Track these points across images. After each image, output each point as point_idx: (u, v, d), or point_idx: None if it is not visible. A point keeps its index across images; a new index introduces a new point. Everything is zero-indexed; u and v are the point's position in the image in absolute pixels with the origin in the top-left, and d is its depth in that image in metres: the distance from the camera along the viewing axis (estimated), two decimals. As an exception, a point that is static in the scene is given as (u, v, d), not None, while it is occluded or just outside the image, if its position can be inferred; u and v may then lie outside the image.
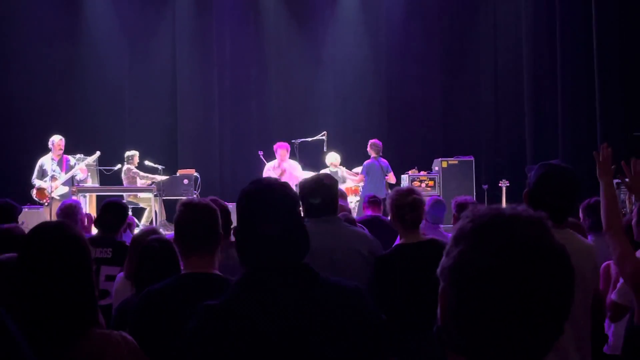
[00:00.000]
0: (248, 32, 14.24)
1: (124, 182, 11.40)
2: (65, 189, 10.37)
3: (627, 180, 3.24)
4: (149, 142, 12.72)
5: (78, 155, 11.02)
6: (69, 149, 10.78)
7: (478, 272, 1.08)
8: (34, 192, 10.42)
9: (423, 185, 11.82)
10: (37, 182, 10.39)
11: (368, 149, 11.15)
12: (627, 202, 9.62)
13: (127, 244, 4.86)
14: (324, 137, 11.27)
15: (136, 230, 6.46)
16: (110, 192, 10.81)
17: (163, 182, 11.02)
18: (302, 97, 14.16)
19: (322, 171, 10.92)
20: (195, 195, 10.77)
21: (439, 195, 10.10)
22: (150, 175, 11.45)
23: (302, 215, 1.94)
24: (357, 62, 14.27)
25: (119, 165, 11.48)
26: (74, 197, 10.13)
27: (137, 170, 11.47)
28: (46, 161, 10.44)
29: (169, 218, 11.33)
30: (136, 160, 11.57)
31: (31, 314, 1.97)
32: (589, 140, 11.41)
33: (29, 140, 12.00)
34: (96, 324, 2.07)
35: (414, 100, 14.08)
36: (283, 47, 14.30)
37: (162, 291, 2.55)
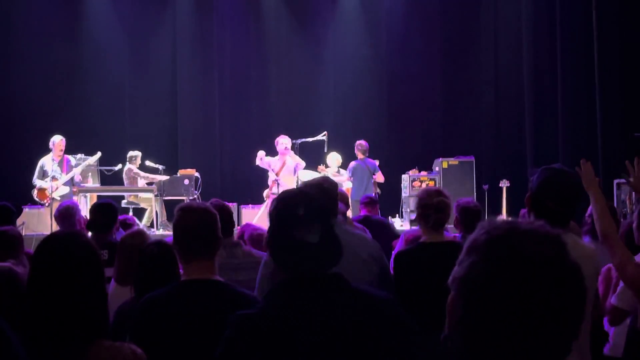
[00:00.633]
0: (248, 32, 14.24)
1: (125, 183, 11.41)
2: (66, 190, 10.38)
3: (630, 179, 3.25)
4: (149, 142, 12.73)
5: (79, 156, 11.02)
6: (70, 149, 10.79)
7: (487, 285, 1.08)
8: (34, 193, 10.43)
9: (423, 185, 11.82)
10: (38, 183, 10.40)
11: (355, 150, 11.20)
12: (627, 202, 9.63)
13: None
14: (324, 138, 11.26)
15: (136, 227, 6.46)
16: (111, 192, 10.81)
17: (164, 182, 11.03)
18: (302, 97, 14.16)
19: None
20: (196, 196, 10.78)
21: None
22: (150, 176, 11.46)
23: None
24: (358, 62, 14.27)
25: (119, 166, 11.49)
26: (74, 198, 10.15)
27: (138, 171, 11.47)
28: (47, 161, 10.45)
29: (169, 218, 11.34)
30: (138, 161, 11.57)
31: (40, 324, 1.97)
32: (589, 141, 11.42)
33: (29, 141, 12.01)
34: (104, 335, 2.06)
35: (415, 100, 14.07)
36: (283, 47, 14.30)
37: (162, 298, 2.54)
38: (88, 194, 10.64)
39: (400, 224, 11.40)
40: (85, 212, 8.80)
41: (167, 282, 2.86)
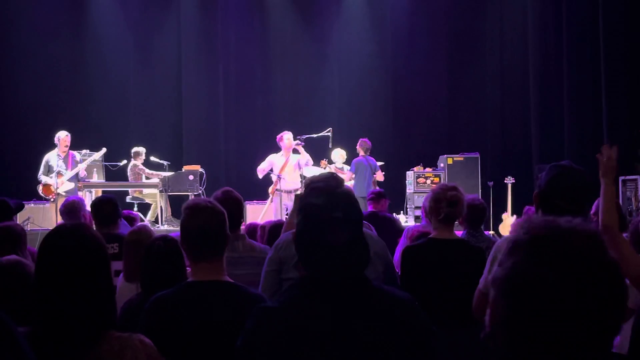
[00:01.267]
0: (253, 28, 14.23)
1: (130, 178, 11.42)
2: (71, 185, 10.40)
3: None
4: (154, 138, 12.74)
5: (84, 151, 11.04)
6: (75, 145, 10.81)
7: (533, 283, 1.08)
8: (40, 188, 10.45)
9: (428, 181, 11.81)
10: (43, 178, 10.41)
11: (357, 147, 11.16)
12: (633, 199, 9.61)
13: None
14: (329, 134, 11.26)
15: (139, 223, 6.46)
16: (116, 187, 10.84)
17: (168, 178, 11.04)
18: (307, 93, 14.16)
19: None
20: (200, 191, 10.79)
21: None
22: (155, 172, 11.47)
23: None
24: (363, 59, 14.25)
25: (124, 161, 11.50)
26: (79, 193, 10.17)
27: (143, 167, 11.48)
28: (52, 157, 10.46)
29: (174, 214, 11.36)
30: (142, 156, 11.59)
31: (49, 317, 1.97)
32: (595, 138, 11.37)
33: (35, 136, 12.05)
34: (114, 327, 2.07)
35: (420, 97, 14.06)
36: (288, 43, 14.29)
37: (170, 299, 2.52)
38: (93, 190, 10.66)
39: (404, 221, 11.39)
40: (90, 207, 8.82)
41: (174, 277, 2.86)
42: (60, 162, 10.42)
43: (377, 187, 10.57)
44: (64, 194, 10.14)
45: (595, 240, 1.11)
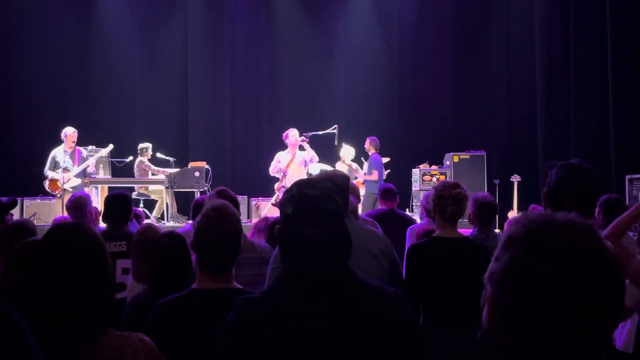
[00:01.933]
0: (259, 25, 14.23)
1: (136, 175, 11.45)
2: (78, 181, 10.43)
3: None
4: (160, 134, 12.76)
5: (90, 147, 11.08)
6: (81, 141, 10.84)
7: (530, 277, 1.07)
8: (46, 184, 10.48)
9: (434, 179, 11.80)
10: (49, 174, 10.45)
11: (368, 145, 10.99)
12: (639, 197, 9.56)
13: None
14: (335, 131, 11.25)
15: (145, 222, 6.48)
16: (122, 184, 10.86)
17: (174, 174, 11.06)
18: (313, 90, 14.15)
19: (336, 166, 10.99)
20: (206, 188, 10.80)
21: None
22: (161, 169, 11.49)
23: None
24: (369, 56, 14.24)
25: (130, 157, 11.52)
26: (85, 189, 10.20)
27: (149, 164, 11.51)
28: (59, 153, 10.49)
29: (180, 210, 11.38)
30: (149, 153, 11.61)
31: (48, 314, 1.97)
32: (602, 136, 11.34)
33: (42, 132, 12.09)
34: (113, 325, 2.07)
35: (426, 94, 14.04)
36: (295, 40, 14.29)
37: (176, 307, 2.49)
38: (99, 186, 10.69)
39: (410, 218, 11.37)
40: (96, 203, 8.84)
41: (180, 273, 2.85)
42: (67, 158, 10.44)
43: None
44: (70, 189, 10.17)
45: (592, 233, 1.11)
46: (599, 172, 2.97)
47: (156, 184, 11.31)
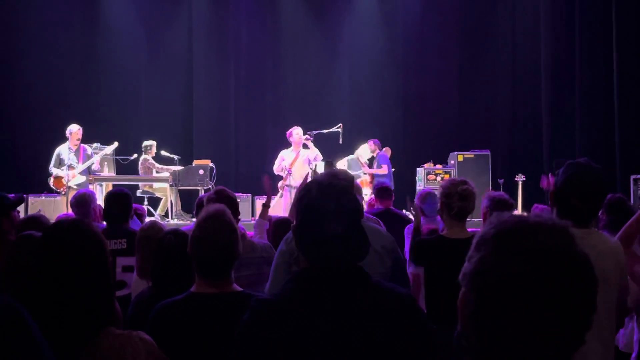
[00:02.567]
0: (264, 23, 14.23)
1: (140, 172, 11.46)
2: (82, 178, 10.44)
3: None
4: (165, 132, 12.77)
5: (95, 145, 11.08)
6: (86, 139, 10.85)
7: (499, 278, 1.08)
8: (51, 181, 10.50)
9: (438, 178, 11.79)
10: (54, 171, 10.46)
11: (373, 146, 11.16)
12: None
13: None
14: (339, 130, 11.25)
15: (147, 219, 6.48)
16: (126, 181, 10.87)
17: (179, 172, 11.07)
18: (318, 89, 14.15)
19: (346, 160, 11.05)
20: (210, 186, 10.81)
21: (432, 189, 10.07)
22: (165, 167, 11.50)
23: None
24: (374, 55, 14.23)
25: (135, 155, 11.53)
26: (90, 186, 10.21)
27: (153, 162, 11.51)
28: (63, 150, 10.50)
29: (184, 208, 11.39)
30: (153, 150, 11.62)
31: (46, 312, 1.97)
32: (607, 136, 11.32)
33: (46, 129, 12.10)
34: (113, 323, 2.07)
35: (431, 93, 14.03)
36: (299, 39, 14.28)
37: (176, 312, 2.48)
38: (104, 183, 10.70)
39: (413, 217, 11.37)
40: (100, 201, 8.85)
41: (184, 271, 2.85)
42: (72, 155, 10.45)
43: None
44: (75, 187, 10.19)
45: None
46: (603, 171, 2.95)
47: (160, 182, 11.32)
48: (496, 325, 1.08)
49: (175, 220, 10.79)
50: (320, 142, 11.07)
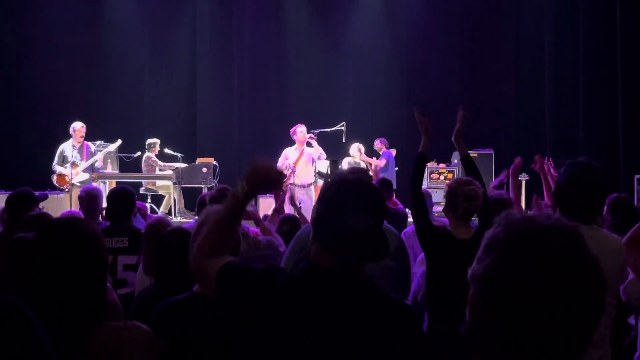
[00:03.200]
0: (268, 21, 14.22)
1: (143, 170, 11.47)
2: (86, 176, 10.46)
3: None
4: (168, 130, 12.79)
5: (98, 142, 11.09)
6: (90, 136, 10.86)
7: (510, 285, 1.07)
8: (54, 178, 10.51)
9: (442, 177, 11.78)
10: (57, 168, 10.47)
11: (379, 145, 11.25)
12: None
13: (141, 229, 4.87)
14: (343, 128, 11.25)
15: (157, 215, 6.48)
16: (130, 179, 10.88)
17: (182, 170, 11.07)
18: (321, 87, 14.14)
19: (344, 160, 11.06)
20: (214, 184, 10.82)
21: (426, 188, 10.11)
22: (168, 164, 11.51)
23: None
24: (377, 53, 14.21)
25: (138, 153, 11.54)
26: (94, 184, 10.22)
27: (156, 159, 11.53)
28: (67, 147, 10.52)
29: (187, 206, 11.40)
30: (157, 148, 11.63)
31: (42, 309, 1.97)
32: (611, 135, 11.29)
33: (50, 127, 12.11)
34: (106, 318, 2.07)
35: (434, 92, 13.99)
36: (303, 37, 14.28)
37: (177, 312, 2.49)
38: (107, 181, 10.71)
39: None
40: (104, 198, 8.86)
41: (186, 269, 2.85)
42: (75, 153, 10.47)
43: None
44: (78, 184, 10.20)
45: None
46: (607, 171, 2.95)
47: (164, 180, 11.33)
48: (506, 328, 1.08)
49: (179, 218, 10.80)
50: (324, 141, 11.07)
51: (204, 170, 11.03)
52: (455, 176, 11.59)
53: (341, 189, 1.84)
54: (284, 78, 14.21)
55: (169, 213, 11.14)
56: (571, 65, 12.38)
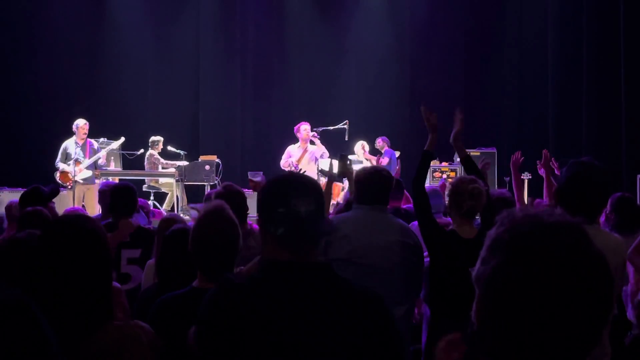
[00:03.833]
0: (271, 19, 14.22)
1: (146, 167, 11.49)
2: (89, 173, 10.47)
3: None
4: (171, 127, 12.79)
5: (101, 140, 11.11)
6: (93, 133, 10.87)
7: (516, 288, 1.07)
8: (57, 175, 10.53)
9: (444, 176, 11.78)
10: (60, 166, 10.49)
11: (382, 143, 11.25)
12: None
13: (142, 225, 4.88)
14: (345, 126, 11.26)
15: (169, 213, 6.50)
16: (133, 176, 10.89)
17: (185, 167, 11.08)
18: (324, 85, 14.13)
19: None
20: (216, 182, 10.82)
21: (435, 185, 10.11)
22: (171, 162, 11.52)
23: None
24: (380, 51, 14.20)
25: (141, 150, 11.56)
26: (97, 181, 10.24)
27: (159, 157, 11.54)
28: (70, 145, 10.53)
29: (190, 203, 11.40)
30: (160, 146, 11.64)
31: (46, 307, 1.98)
32: (613, 134, 11.28)
33: (53, 124, 12.13)
34: (112, 318, 2.07)
35: (437, 90, 13.97)
36: (306, 35, 14.27)
37: (177, 307, 2.50)
38: (110, 178, 10.72)
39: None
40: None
41: (189, 266, 2.86)
42: (78, 150, 10.48)
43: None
44: (81, 181, 10.22)
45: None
46: (610, 171, 2.95)
47: (166, 177, 11.34)
48: (515, 329, 1.08)
49: (182, 215, 10.80)
50: (326, 139, 11.07)
51: (207, 167, 11.03)
52: (457, 174, 11.58)
53: (280, 180, 1.94)
54: (287, 76, 14.20)
55: (172, 211, 11.15)
56: (574, 65, 12.36)
